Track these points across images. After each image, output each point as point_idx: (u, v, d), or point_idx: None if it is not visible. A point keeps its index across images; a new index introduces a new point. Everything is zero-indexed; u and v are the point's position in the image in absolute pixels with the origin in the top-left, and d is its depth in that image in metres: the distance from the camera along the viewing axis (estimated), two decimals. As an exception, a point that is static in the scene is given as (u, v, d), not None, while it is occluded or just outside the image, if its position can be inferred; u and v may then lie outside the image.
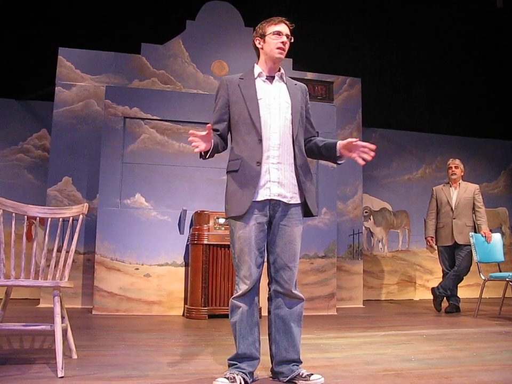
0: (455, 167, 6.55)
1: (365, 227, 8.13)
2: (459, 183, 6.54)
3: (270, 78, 2.87)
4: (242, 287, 2.69)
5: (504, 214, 9.04)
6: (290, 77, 3.03)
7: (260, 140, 2.72)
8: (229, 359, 2.73)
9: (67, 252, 3.29)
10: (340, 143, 2.98)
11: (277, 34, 2.79)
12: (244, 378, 2.61)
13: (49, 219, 3.31)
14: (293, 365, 2.72)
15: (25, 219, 3.31)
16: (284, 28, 2.82)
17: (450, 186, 6.57)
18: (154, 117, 6.08)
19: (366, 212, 8.19)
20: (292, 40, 2.85)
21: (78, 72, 6.59)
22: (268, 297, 2.81)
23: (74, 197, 6.39)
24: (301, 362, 2.77)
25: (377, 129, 8.47)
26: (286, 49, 2.83)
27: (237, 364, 2.68)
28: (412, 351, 3.65)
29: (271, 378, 2.80)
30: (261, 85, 2.84)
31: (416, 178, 8.64)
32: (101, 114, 6.38)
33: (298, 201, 2.81)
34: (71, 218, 3.37)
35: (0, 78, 7.20)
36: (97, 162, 6.06)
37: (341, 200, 7.16)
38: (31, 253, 3.36)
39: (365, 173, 7.66)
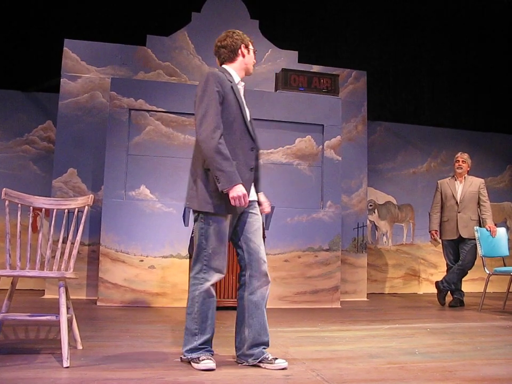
0: (462, 161, 6.52)
1: (370, 220, 8.13)
2: (464, 177, 6.52)
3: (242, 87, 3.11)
4: (216, 277, 2.88)
5: (509, 208, 9.00)
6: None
7: (253, 148, 2.99)
8: (200, 344, 2.83)
9: (72, 243, 3.30)
10: (260, 196, 3.14)
11: (254, 53, 3.13)
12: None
13: (55, 210, 3.32)
14: (263, 348, 2.90)
15: (31, 210, 3.32)
16: None
17: (456, 180, 6.55)
18: (160, 109, 6.07)
19: (370, 205, 8.18)
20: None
21: (84, 64, 6.59)
22: (241, 284, 2.97)
23: (80, 189, 6.41)
24: (269, 345, 2.95)
25: (383, 122, 8.44)
26: None
27: (207, 347, 2.86)
28: (416, 344, 3.66)
29: (236, 362, 2.95)
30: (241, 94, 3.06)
31: (421, 172, 8.62)
32: (106, 106, 6.39)
33: (256, 199, 3.07)
34: (76, 209, 3.38)
35: (6, 70, 7.21)
36: (102, 154, 6.06)
37: (346, 194, 7.15)
38: (36, 244, 3.37)
39: (369, 166, 7.65)
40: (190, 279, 2.94)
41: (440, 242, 6.65)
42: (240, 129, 2.93)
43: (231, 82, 2.96)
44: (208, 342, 2.86)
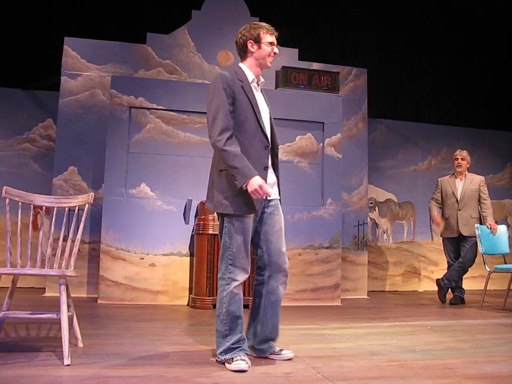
0: (461, 158, 6.51)
1: (370, 218, 8.13)
2: (465, 175, 6.51)
3: (257, 85, 3.04)
4: (242, 275, 2.88)
5: (510, 205, 9.00)
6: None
7: (267, 147, 2.95)
8: (232, 344, 2.83)
9: (73, 241, 3.30)
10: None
11: (272, 45, 3.00)
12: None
13: (55, 208, 3.32)
14: (271, 343, 3.04)
15: (32, 208, 3.32)
16: (275, 40, 3.03)
17: (456, 178, 6.54)
18: (160, 107, 6.07)
19: (371, 203, 8.18)
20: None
21: (84, 62, 6.58)
22: (259, 282, 3.03)
23: (80, 187, 6.41)
24: (276, 340, 3.08)
25: (383, 120, 8.44)
26: None
27: (241, 346, 2.85)
28: (416, 342, 3.66)
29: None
30: (255, 92, 2.99)
31: (422, 169, 8.62)
32: (106, 104, 6.38)
33: (279, 197, 3.12)
34: (77, 207, 3.38)
35: (6, 68, 7.21)
36: (102, 152, 6.06)
37: (346, 191, 7.15)
38: (37, 242, 3.37)
39: (370, 163, 7.64)
40: (217, 280, 2.95)
41: (443, 226, 6.54)
42: (252, 128, 2.90)
43: (242, 81, 2.93)
44: (240, 341, 2.85)
